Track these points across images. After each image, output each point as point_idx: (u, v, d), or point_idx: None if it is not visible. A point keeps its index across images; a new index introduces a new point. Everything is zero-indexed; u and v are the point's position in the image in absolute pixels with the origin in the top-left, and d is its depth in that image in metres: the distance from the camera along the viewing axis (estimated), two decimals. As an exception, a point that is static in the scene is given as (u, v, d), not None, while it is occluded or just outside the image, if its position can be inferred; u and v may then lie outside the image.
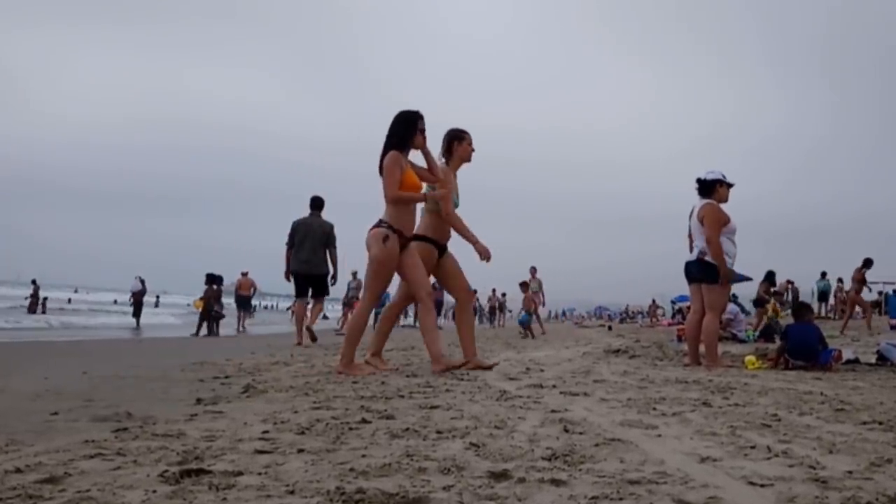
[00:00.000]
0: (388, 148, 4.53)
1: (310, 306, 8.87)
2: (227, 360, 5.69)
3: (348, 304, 17.01)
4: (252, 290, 18.02)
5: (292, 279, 8.59)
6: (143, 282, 19.16)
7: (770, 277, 13.32)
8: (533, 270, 17.35)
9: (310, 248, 8.38)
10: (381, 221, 4.50)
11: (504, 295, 33.48)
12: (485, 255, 4.81)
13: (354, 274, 16.52)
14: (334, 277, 8.70)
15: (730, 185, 5.62)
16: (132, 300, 19.00)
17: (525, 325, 14.47)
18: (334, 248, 8.58)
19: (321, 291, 8.70)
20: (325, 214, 8.92)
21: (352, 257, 9.42)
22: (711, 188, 5.59)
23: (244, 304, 17.50)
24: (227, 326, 15.53)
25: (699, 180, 5.64)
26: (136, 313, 18.64)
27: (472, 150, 5.05)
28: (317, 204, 8.70)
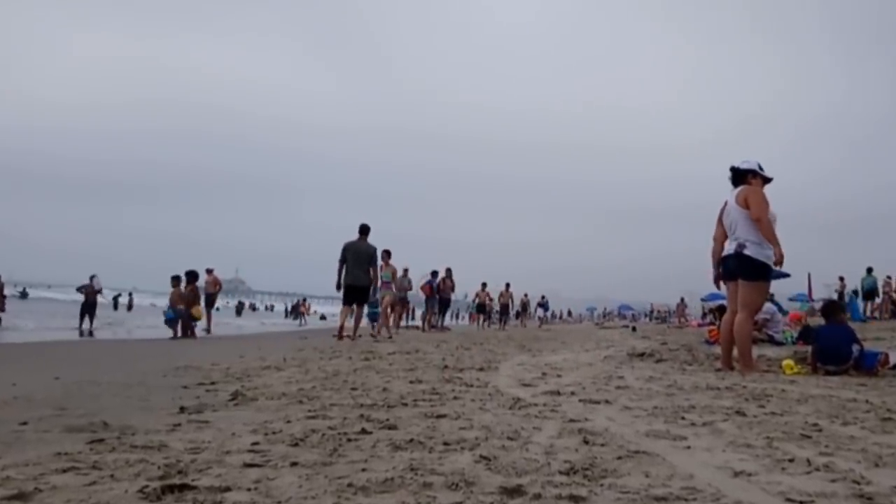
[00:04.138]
0: None
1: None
2: (213, 364, 5.71)
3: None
4: (217, 287, 18.54)
5: (342, 289, 11.30)
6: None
7: None
8: (386, 255, 14.80)
9: (357, 266, 11.19)
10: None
11: (526, 295, 35.41)
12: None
13: (406, 271, 17.03)
14: (374, 291, 11.84)
15: (766, 180, 5.58)
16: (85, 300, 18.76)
17: (172, 322, 13.35)
18: (376, 267, 11.54)
19: (363, 300, 11.55)
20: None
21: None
22: (744, 179, 5.56)
23: (213, 302, 17.85)
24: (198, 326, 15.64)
25: (733, 168, 5.64)
26: (85, 314, 18.57)
27: None
28: (364, 230, 11.35)
